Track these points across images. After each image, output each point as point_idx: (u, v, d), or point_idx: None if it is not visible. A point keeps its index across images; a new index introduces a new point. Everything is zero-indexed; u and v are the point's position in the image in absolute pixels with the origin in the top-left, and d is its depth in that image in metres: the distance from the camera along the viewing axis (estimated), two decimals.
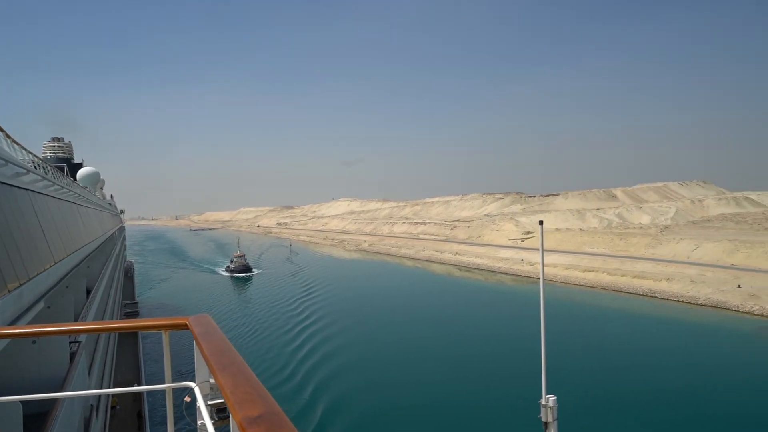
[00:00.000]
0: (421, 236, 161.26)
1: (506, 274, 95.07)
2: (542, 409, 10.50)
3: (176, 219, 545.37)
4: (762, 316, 54.59)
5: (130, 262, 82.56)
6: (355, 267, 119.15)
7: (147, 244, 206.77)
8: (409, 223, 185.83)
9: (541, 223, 12.89)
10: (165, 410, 4.15)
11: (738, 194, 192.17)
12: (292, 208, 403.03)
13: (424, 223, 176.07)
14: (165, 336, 3.25)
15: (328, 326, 55.65)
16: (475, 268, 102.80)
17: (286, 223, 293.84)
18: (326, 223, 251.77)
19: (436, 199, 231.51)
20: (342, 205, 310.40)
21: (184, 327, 3.16)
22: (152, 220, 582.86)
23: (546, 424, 10.44)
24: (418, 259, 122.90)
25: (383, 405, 34.03)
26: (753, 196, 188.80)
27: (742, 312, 56.59)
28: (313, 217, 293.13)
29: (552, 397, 10.50)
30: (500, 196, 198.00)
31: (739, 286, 63.57)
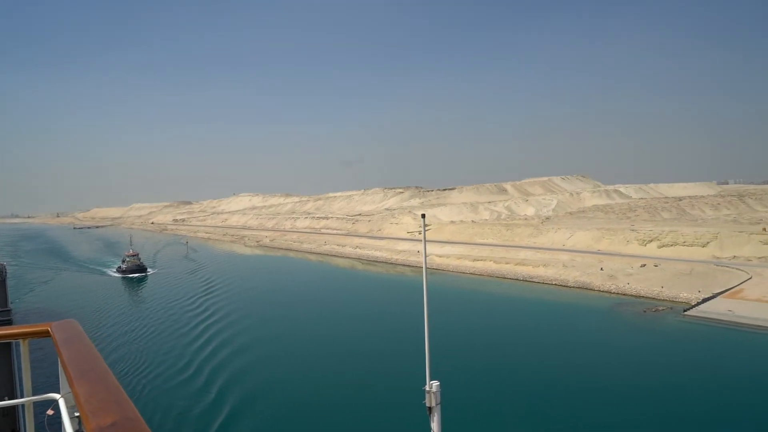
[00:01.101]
0: (323, 231, 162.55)
1: (404, 265, 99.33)
2: (426, 395, 10.65)
3: (57, 216, 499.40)
4: (618, 294, 62.56)
5: (2, 264, 75.78)
6: (258, 263, 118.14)
7: (22, 245, 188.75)
8: (312, 218, 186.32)
9: (423, 216, 13.20)
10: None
11: (610, 187, 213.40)
12: (190, 203, 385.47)
13: (327, 218, 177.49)
14: (24, 345, 3.13)
15: (231, 323, 55.80)
16: (375, 261, 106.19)
17: (183, 220, 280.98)
18: (226, 219, 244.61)
19: (339, 194, 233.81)
20: (244, 201, 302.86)
21: (46, 335, 3.00)
22: (28, 218, 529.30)
23: (430, 409, 10.62)
24: (320, 254, 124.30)
25: (279, 401, 35.44)
26: (622, 189, 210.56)
27: (602, 291, 64.47)
28: (213, 213, 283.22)
29: (435, 383, 10.69)
30: (400, 190, 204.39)
31: (601, 269, 72.12)
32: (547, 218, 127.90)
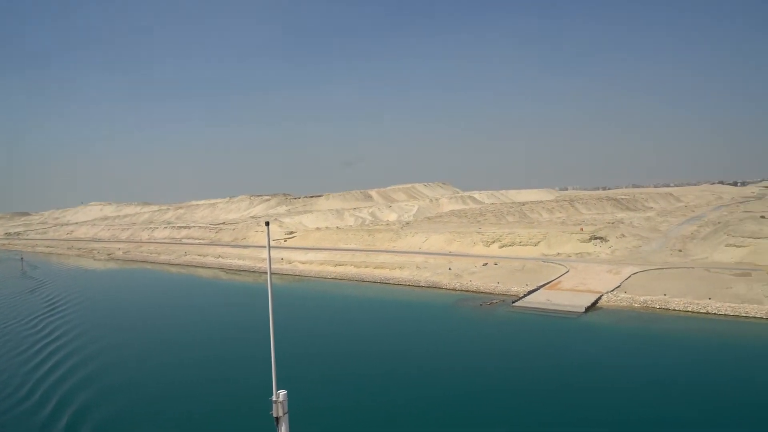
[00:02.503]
0: (184, 241, 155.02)
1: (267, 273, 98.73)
2: (273, 405, 10.35)
3: None
4: (462, 290, 68.79)
5: None
6: (108, 277, 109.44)
7: None
8: (172, 227, 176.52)
9: (267, 224, 12.83)
10: None
11: (466, 194, 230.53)
12: (28, 214, 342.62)
13: (188, 227, 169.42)
14: None
15: (78, 341, 51.82)
16: (240, 270, 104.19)
17: (18, 233, 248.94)
18: (72, 231, 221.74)
19: (203, 201, 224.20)
20: (93, 210, 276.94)
21: None
22: None
23: (277, 419, 10.34)
24: (180, 265, 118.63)
25: (117, 409, 34.20)
26: (477, 195, 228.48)
27: (449, 289, 70.41)
28: (56, 225, 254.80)
29: (283, 392, 10.41)
30: (267, 197, 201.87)
31: (449, 269, 78.60)
32: (407, 223, 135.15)
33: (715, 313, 50.82)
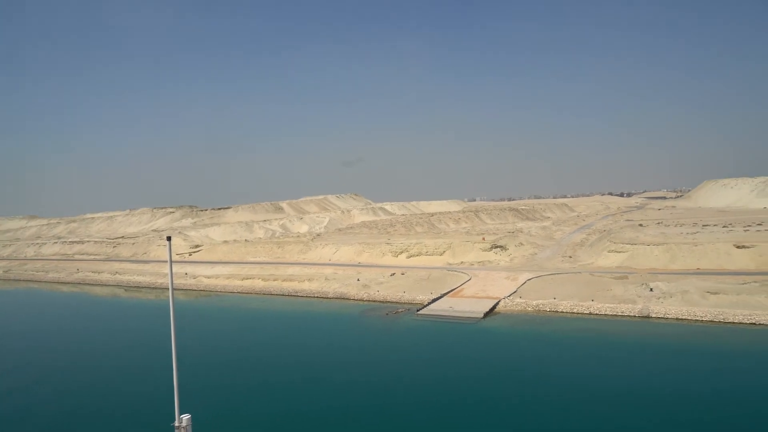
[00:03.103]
0: (77, 257, 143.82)
1: (174, 289, 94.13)
2: (176, 431, 9.81)
3: None
4: (369, 300, 69.78)
5: None
6: None
7: None
8: (63, 242, 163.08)
9: (168, 239, 12.18)
10: None
11: (378, 205, 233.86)
12: None
13: (82, 242, 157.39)
14: None
15: None
16: (139, 287, 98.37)
17: None
18: None
19: (99, 214, 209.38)
20: None
21: None
22: None
23: None
24: (72, 283, 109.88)
25: None
26: (388, 206, 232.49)
27: (357, 300, 71.15)
28: None
29: (186, 416, 9.86)
30: (171, 210, 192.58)
31: (358, 280, 79.42)
32: (318, 235, 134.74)
33: (596, 313, 55.58)
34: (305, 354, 48.06)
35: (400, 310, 62.62)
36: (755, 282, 59.11)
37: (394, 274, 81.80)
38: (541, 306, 58.85)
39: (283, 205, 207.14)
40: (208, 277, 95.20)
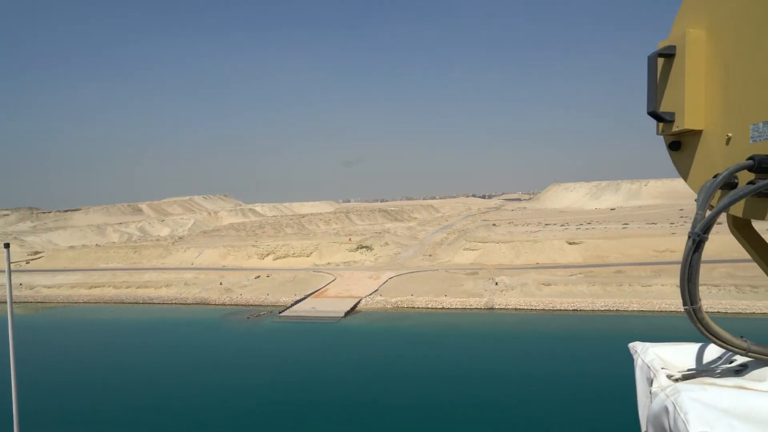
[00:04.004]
0: None
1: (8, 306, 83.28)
2: None
3: None
4: (231, 305, 67.96)
5: None
6: None
7: None
8: None
9: (6, 246, 11.56)
10: None
11: (248, 206, 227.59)
12: None
13: None
14: None
15: None
16: None
17: None
18: None
19: None
20: None
21: None
22: None
23: None
24: None
25: None
26: (258, 207, 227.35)
27: (218, 304, 68.91)
28: None
29: None
30: (6, 212, 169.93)
31: (221, 284, 76.90)
32: (180, 238, 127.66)
33: (449, 307, 59.78)
34: (160, 364, 45.59)
35: (262, 313, 61.87)
36: (580, 274, 67.69)
37: (258, 276, 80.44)
38: (399, 303, 61.83)
39: (143, 206, 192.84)
40: (49, 287, 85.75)
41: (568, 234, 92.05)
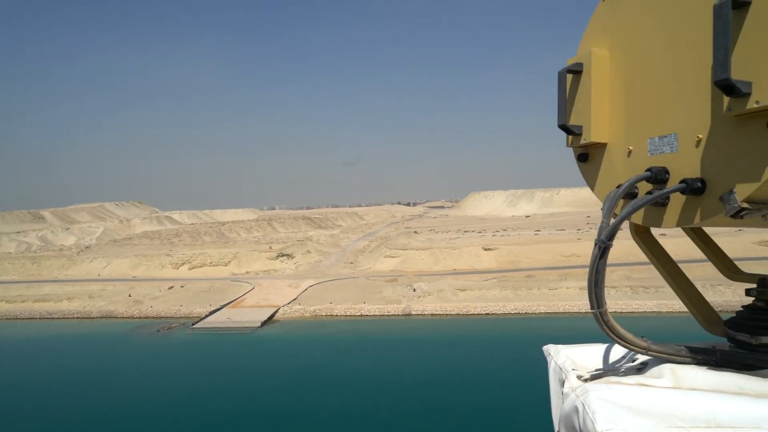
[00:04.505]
0: None
1: None
2: None
3: None
4: (141, 317, 64.55)
5: None
6: None
7: None
8: None
9: None
10: None
11: (164, 213, 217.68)
12: None
13: None
14: None
15: None
16: None
17: None
18: None
19: None
20: None
21: None
22: None
23: None
24: None
25: None
26: (176, 215, 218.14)
27: (127, 317, 65.19)
28: None
29: None
30: None
31: (129, 296, 72.82)
32: (87, 247, 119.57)
33: (367, 314, 60.17)
34: (55, 385, 42.31)
35: (173, 326, 59.24)
36: (494, 279, 70.48)
37: (172, 287, 76.99)
38: (318, 311, 61.44)
39: (45, 213, 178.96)
40: None
41: (485, 240, 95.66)
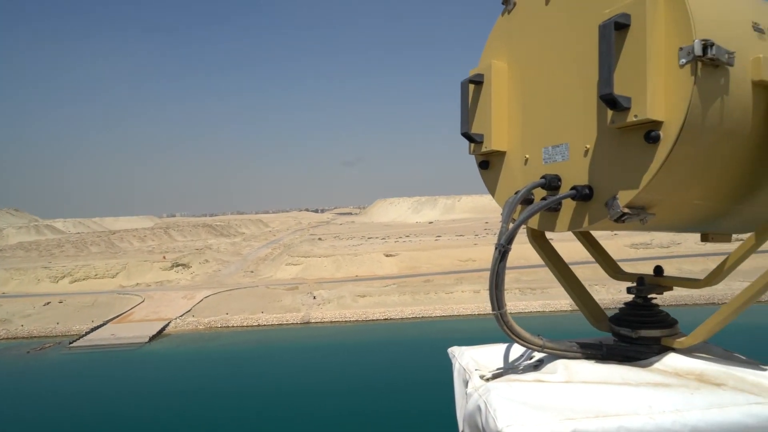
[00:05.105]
0: None
1: None
2: None
3: None
4: (8, 338, 58.11)
5: None
6: None
7: None
8: None
9: None
10: None
11: (45, 222, 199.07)
12: None
13: None
14: None
15: None
16: None
17: None
18: None
19: None
20: None
21: None
22: None
23: None
24: None
25: None
26: (59, 224, 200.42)
27: None
28: None
29: None
30: None
31: None
32: None
33: (265, 324, 58.64)
34: None
35: (47, 345, 53.97)
36: (394, 284, 71.69)
37: (48, 303, 70.24)
38: (212, 323, 58.91)
39: None
40: None
41: (387, 247, 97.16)
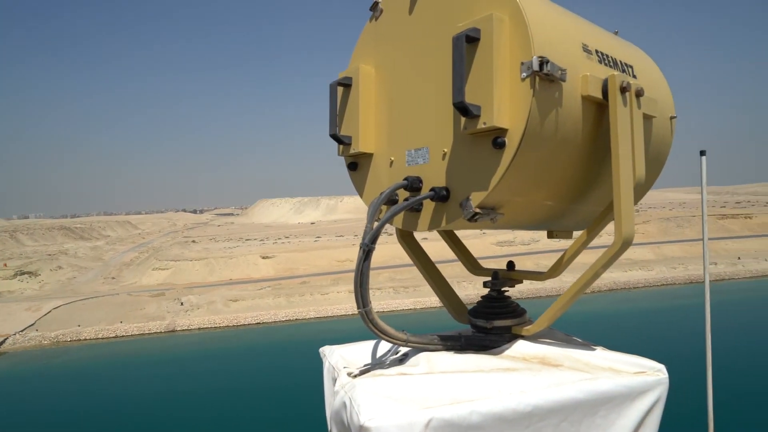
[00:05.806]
0: None
1: None
2: None
3: None
4: None
5: None
6: None
7: None
8: None
9: None
10: None
11: None
12: None
13: None
14: None
15: None
16: None
17: None
18: None
19: None
20: None
21: None
22: None
23: None
24: None
25: None
26: None
27: None
28: None
29: None
30: None
31: None
32: None
33: (123, 335, 54.15)
34: None
35: None
36: (269, 287, 69.96)
37: None
38: (61, 337, 53.12)
39: None
40: None
41: (265, 248, 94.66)
